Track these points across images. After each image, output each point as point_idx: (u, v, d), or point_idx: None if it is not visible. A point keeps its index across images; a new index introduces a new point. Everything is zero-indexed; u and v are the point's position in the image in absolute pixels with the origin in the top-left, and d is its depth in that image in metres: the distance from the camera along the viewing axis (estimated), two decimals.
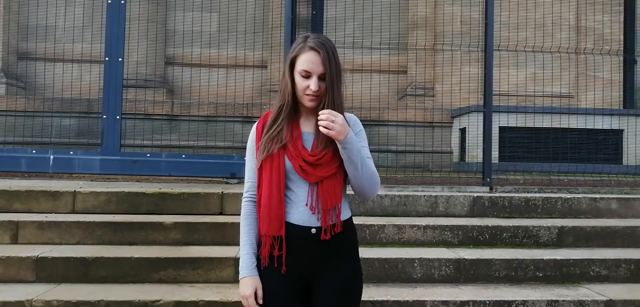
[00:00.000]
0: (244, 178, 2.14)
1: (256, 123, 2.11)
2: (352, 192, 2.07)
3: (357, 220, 2.27)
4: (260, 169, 2.01)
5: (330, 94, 1.97)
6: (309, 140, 2.02)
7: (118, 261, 3.79)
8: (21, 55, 10.22)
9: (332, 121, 1.89)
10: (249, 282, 2.01)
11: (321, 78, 1.97)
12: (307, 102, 2.00)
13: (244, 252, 2.04)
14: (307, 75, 1.97)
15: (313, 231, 1.97)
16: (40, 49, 8.08)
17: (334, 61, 1.98)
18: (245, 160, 2.13)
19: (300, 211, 1.98)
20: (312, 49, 1.96)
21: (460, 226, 4.48)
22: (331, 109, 1.95)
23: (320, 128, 1.91)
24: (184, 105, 8.94)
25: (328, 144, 1.97)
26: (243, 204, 2.09)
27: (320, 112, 1.93)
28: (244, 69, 8.17)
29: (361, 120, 2.14)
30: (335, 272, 2.02)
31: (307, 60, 1.96)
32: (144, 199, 4.58)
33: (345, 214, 2.04)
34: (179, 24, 9.64)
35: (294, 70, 2.00)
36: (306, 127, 2.05)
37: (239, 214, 2.11)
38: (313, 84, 1.96)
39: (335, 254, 2.02)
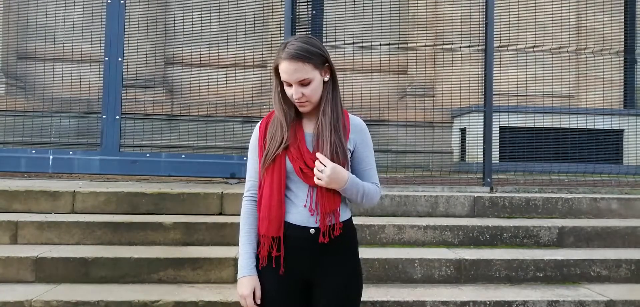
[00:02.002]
0: (243, 178, 2.13)
1: (259, 123, 2.10)
2: None
3: (357, 220, 2.26)
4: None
5: (327, 97, 1.99)
6: (311, 142, 2.01)
7: (117, 261, 3.78)
8: (21, 55, 10.21)
9: (320, 171, 1.90)
10: (247, 282, 2.00)
11: (303, 84, 1.95)
12: (299, 108, 2.01)
13: (243, 251, 2.03)
14: (288, 84, 1.97)
15: (312, 231, 1.97)
16: (40, 48, 8.07)
17: (311, 62, 1.94)
18: (245, 160, 2.12)
19: (300, 211, 1.98)
20: (286, 59, 1.94)
21: (460, 226, 4.47)
22: (329, 113, 1.97)
23: (315, 179, 1.93)
24: (184, 106, 8.92)
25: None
26: (244, 203, 2.09)
27: (317, 156, 1.93)
28: (244, 69, 8.15)
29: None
30: (335, 272, 2.01)
31: (284, 70, 1.95)
32: (144, 199, 4.57)
33: (344, 215, 2.03)
34: (178, 24, 9.63)
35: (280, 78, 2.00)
36: (309, 127, 2.05)
37: (239, 214, 2.10)
38: (294, 92, 1.96)
39: (334, 254, 2.01)
